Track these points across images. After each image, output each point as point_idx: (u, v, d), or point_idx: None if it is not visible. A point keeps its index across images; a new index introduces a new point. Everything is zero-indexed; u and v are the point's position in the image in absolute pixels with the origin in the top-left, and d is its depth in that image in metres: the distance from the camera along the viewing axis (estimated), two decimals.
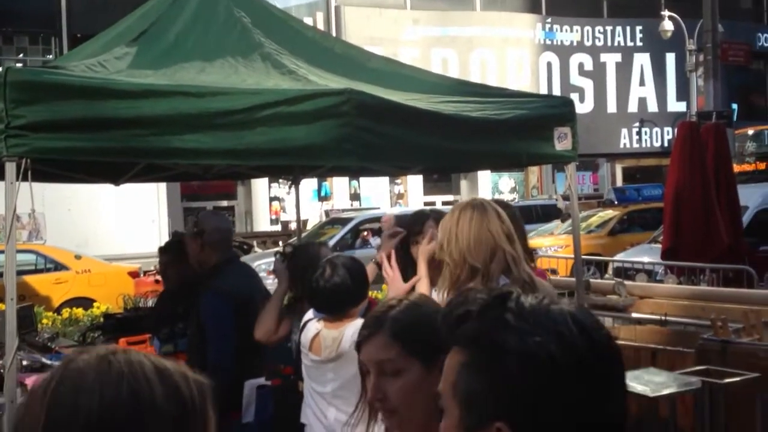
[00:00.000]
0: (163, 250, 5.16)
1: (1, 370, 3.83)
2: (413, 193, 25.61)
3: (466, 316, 1.13)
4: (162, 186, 17.72)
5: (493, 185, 26.47)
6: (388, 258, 3.06)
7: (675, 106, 28.13)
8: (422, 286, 3.08)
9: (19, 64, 20.35)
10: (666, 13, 24.13)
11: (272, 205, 24.73)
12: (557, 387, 1.05)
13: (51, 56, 21.29)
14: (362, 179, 23.32)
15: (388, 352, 1.74)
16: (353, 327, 2.90)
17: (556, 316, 1.09)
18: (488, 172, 24.03)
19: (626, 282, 6.86)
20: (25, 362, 4.20)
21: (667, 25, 23.78)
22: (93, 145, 3.44)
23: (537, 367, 1.05)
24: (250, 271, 4.58)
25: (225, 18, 4.54)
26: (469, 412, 1.09)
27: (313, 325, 3.11)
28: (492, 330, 1.09)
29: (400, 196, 26.09)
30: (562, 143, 4.48)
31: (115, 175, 5.97)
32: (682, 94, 27.41)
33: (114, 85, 3.54)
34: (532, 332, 1.07)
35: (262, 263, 14.22)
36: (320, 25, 22.94)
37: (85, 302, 11.36)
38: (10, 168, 3.29)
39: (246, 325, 3.66)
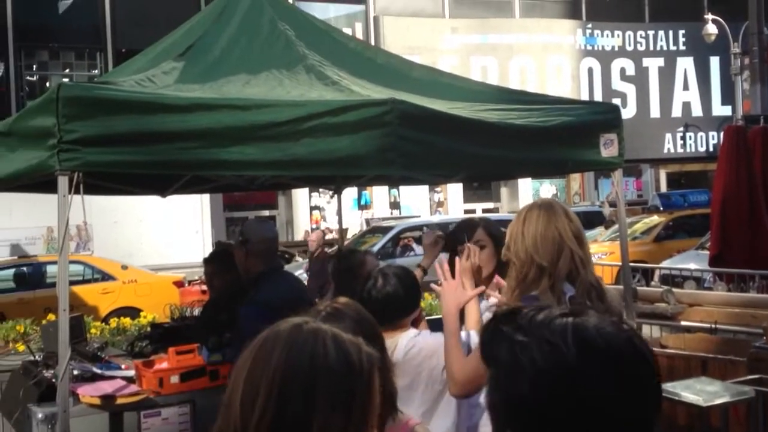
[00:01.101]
0: (207, 261, 5.22)
1: (53, 380, 3.90)
2: (453, 201, 25.54)
3: (482, 330, 1.20)
4: (205, 197, 17.94)
5: (534, 192, 26.27)
6: (444, 268, 2.94)
7: (720, 110, 27.65)
8: (471, 310, 2.95)
9: (65, 79, 20.83)
10: (709, 16, 23.75)
11: (313, 214, 24.86)
12: (547, 392, 1.06)
13: (96, 71, 21.71)
14: (402, 187, 23.33)
15: None
16: (406, 337, 2.89)
17: (555, 326, 1.10)
18: (529, 179, 23.86)
19: (675, 289, 6.76)
20: (75, 372, 4.26)
21: (711, 29, 23.39)
22: (143, 158, 3.50)
23: (522, 374, 1.07)
24: (293, 280, 4.60)
25: (269, 31, 4.59)
26: (494, 423, 1.15)
27: None
28: (489, 343, 1.15)
29: (439, 204, 26.03)
30: (608, 150, 4.43)
31: (162, 187, 6.07)
32: (727, 98, 26.94)
33: (162, 99, 3.60)
34: (522, 342, 1.09)
35: (304, 273, 14.31)
36: (359, 36, 23.06)
37: (132, 312, 11.50)
38: (63, 181, 3.35)
39: None
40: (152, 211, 16.50)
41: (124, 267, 13.51)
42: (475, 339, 2.96)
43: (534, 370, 1.07)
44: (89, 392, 4.00)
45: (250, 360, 1.35)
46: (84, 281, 12.91)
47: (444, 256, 3.14)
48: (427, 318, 3.41)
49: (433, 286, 2.89)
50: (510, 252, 2.61)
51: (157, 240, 18.01)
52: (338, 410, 1.29)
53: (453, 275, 2.86)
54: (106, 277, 13.19)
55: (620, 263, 5.54)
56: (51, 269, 12.45)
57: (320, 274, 11.41)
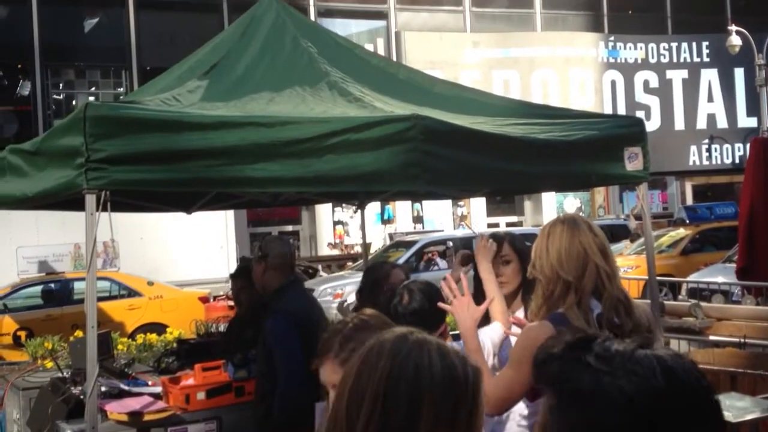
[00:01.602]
0: (234, 276, 5.26)
1: (82, 397, 3.93)
2: (476, 215, 25.48)
3: (551, 358, 1.15)
4: (229, 213, 18.02)
5: (558, 206, 26.14)
6: (456, 281, 2.95)
7: (745, 121, 27.39)
8: (496, 305, 3.02)
9: (91, 98, 21.10)
10: (733, 27, 23.57)
11: (336, 229, 24.91)
12: (635, 421, 1.04)
13: (122, 89, 21.98)
14: (425, 202, 23.33)
15: (338, 376, 1.78)
16: None
17: (640, 358, 1.08)
18: (553, 192, 23.74)
19: (702, 303, 6.68)
20: (103, 388, 4.29)
21: (735, 40, 23.22)
22: (169, 176, 3.54)
23: (612, 407, 1.04)
24: (310, 295, 4.63)
25: (292, 49, 4.63)
26: None
27: None
28: (570, 370, 1.10)
29: (463, 218, 25.97)
30: (633, 163, 4.40)
31: (187, 204, 6.12)
32: (753, 109, 26.68)
33: (188, 117, 3.64)
34: (610, 373, 1.07)
35: (328, 287, 14.33)
36: (381, 51, 23.15)
37: (158, 327, 11.59)
38: (90, 200, 3.39)
39: (311, 346, 3.66)
40: (177, 228, 16.59)
41: (150, 283, 13.60)
42: (499, 332, 2.96)
43: (624, 399, 1.05)
44: (117, 409, 4.03)
45: (356, 368, 1.36)
46: (110, 297, 13.00)
47: (463, 274, 3.13)
48: (452, 333, 3.40)
49: (441, 305, 2.87)
50: (536, 269, 2.59)
51: (183, 256, 18.09)
52: (443, 422, 1.28)
53: (481, 299, 2.85)
54: (132, 293, 13.29)
55: (647, 277, 5.49)
56: (78, 286, 12.56)
57: None
